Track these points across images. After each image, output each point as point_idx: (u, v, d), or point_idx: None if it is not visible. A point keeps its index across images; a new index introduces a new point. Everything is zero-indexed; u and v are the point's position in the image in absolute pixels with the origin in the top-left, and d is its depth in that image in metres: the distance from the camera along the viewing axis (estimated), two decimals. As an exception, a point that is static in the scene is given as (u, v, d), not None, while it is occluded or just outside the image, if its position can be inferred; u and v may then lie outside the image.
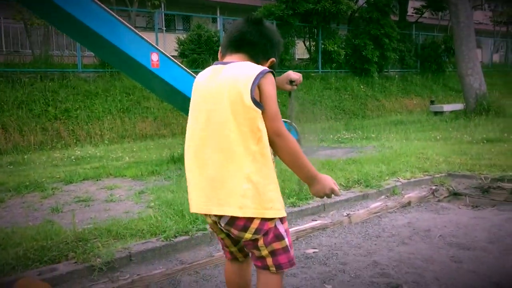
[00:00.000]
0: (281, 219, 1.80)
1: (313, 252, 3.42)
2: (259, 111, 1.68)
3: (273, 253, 1.79)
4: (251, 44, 1.84)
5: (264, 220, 1.72)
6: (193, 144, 1.80)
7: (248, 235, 1.73)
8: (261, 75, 1.70)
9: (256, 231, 1.73)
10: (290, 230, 3.09)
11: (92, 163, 7.24)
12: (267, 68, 1.76)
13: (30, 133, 9.60)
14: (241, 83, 1.68)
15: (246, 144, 1.68)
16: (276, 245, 1.79)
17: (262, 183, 1.70)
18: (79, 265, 2.86)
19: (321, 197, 1.85)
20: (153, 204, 4.38)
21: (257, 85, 1.68)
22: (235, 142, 1.69)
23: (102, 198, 4.81)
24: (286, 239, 1.81)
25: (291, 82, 2.17)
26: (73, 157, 8.07)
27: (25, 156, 8.34)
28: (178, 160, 6.64)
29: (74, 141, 9.98)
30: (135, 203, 4.54)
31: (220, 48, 1.93)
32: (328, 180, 1.84)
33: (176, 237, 3.37)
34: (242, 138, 1.68)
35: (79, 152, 8.74)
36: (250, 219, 1.71)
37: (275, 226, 1.78)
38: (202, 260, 3.18)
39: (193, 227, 3.51)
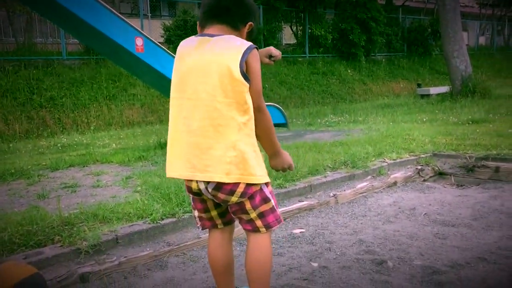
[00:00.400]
0: (266, 183, 1.92)
1: (300, 232, 3.45)
2: (247, 85, 1.77)
3: (261, 215, 1.91)
4: (227, 9, 1.87)
5: (249, 184, 1.84)
6: (179, 112, 1.85)
7: (234, 198, 1.84)
8: (249, 50, 1.78)
9: (242, 195, 1.84)
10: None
11: (78, 150, 7.19)
12: (253, 44, 1.82)
13: (15, 122, 9.51)
14: (230, 57, 1.76)
15: (233, 116, 1.77)
16: (263, 207, 1.91)
17: (247, 151, 1.80)
18: (65, 249, 2.85)
19: (278, 170, 2.02)
20: (140, 188, 4.37)
21: (245, 60, 1.76)
22: (222, 113, 1.77)
23: (88, 184, 4.79)
24: (272, 200, 1.94)
25: (270, 57, 2.20)
26: (59, 145, 8.02)
27: (10, 145, 8.27)
28: (165, 146, 6.60)
29: (60, 129, 9.91)
30: (122, 188, 4.52)
31: (198, 21, 1.95)
32: (288, 156, 2.01)
33: (163, 219, 3.38)
34: (229, 109, 1.77)
35: (65, 140, 8.68)
36: (237, 184, 1.81)
37: (261, 189, 1.89)
38: (189, 242, 3.18)
39: (180, 209, 3.52)
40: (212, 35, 1.85)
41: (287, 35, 18.73)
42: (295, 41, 18.08)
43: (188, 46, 1.88)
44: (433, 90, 13.86)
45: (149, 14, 18.88)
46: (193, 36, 1.91)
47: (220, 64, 1.76)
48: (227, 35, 1.85)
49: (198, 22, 1.97)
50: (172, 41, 14.04)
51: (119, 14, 6.13)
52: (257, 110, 1.83)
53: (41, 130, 9.65)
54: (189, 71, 1.83)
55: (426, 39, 20.96)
